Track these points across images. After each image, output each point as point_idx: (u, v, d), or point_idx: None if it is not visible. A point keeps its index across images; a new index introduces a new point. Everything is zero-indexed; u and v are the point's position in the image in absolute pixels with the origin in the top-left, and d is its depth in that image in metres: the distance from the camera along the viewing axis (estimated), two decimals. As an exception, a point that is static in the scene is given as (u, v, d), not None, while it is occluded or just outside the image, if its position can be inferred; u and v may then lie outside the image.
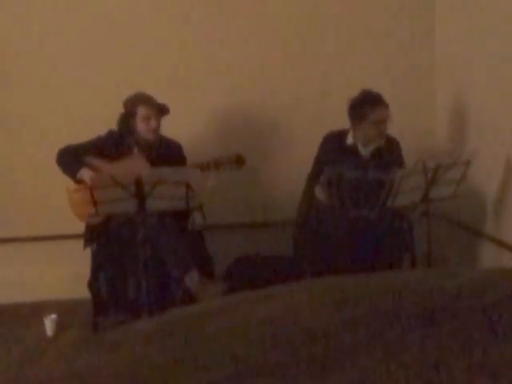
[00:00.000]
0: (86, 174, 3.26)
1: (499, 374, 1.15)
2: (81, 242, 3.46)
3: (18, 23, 3.98)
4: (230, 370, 1.18)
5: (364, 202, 3.42)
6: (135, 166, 3.26)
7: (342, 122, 3.53)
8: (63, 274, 3.92)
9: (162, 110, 3.42)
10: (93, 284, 3.44)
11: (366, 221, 3.40)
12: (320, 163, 3.55)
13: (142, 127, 3.40)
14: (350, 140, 3.52)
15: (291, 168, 4.02)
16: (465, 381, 1.15)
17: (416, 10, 4.10)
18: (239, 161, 3.25)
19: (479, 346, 1.27)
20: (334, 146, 3.54)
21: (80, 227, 3.47)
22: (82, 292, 3.47)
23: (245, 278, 3.66)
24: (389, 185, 3.18)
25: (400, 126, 3.58)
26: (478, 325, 1.37)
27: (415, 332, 1.35)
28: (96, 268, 3.43)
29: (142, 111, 3.38)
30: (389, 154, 3.49)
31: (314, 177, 3.56)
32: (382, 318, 1.43)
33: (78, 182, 3.31)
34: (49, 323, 3.45)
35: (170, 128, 3.50)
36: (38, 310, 3.71)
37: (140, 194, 2.98)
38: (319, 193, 3.45)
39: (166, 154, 3.48)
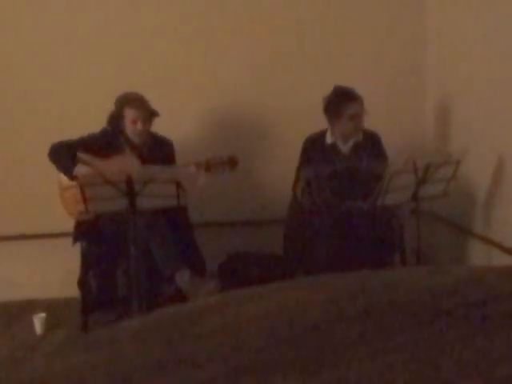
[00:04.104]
0: (83, 170, 3.24)
1: (490, 372, 1.16)
2: (70, 241, 3.44)
3: (13, 22, 3.96)
4: (220, 369, 1.18)
5: (353, 193, 3.42)
6: (125, 164, 3.25)
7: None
8: (53, 272, 3.90)
9: (150, 115, 3.40)
10: (83, 282, 3.42)
11: (355, 218, 3.41)
12: (303, 166, 3.55)
13: (128, 128, 3.39)
14: (329, 139, 3.56)
15: (282, 167, 4.02)
16: (455, 378, 1.15)
17: (406, 7, 4.11)
18: (232, 162, 3.23)
19: (469, 344, 1.27)
20: (314, 148, 3.56)
21: (70, 225, 3.45)
22: (72, 290, 3.46)
23: (236, 276, 3.66)
24: (378, 174, 3.20)
25: (390, 125, 3.59)
26: (468, 322, 1.38)
27: (405, 330, 1.35)
28: (86, 266, 3.42)
29: (129, 113, 3.37)
30: (369, 148, 3.52)
31: (297, 182, 3.57)
32: (373, 316, 1.43)
33: (73, 178, 3.29)
34: (38, 322, 3.44)
35: (162, 128, 3.49)
36: (27, 308, 3.69)
37: (131, 193, 2.97)
38: (299, 193, 3.47)
39: (158, 152, 3.48)
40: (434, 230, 3.93)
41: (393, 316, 1.41)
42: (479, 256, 3.55)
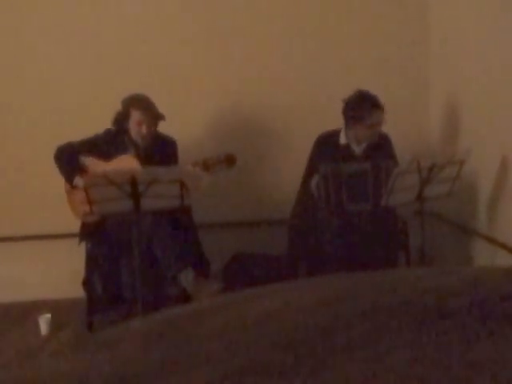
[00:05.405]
0: (80, 182, 3.25)
1: (495, 373, 1.16)
2: (75, 241, 3.45)
3: (13, 22, 3.97)
4: (225, 370, 1.18)
5: (361, 195, 3.42)
6: (125, 164, 3.25)
7: (336, 122, 3.54)
8: (58, 273, 3.92)
9: (155, 118, 3.40)
10: (87, 283, 3.44)
11: (360, 218, 3.41)
12: (314, 164, 3.55)
13: (133, 130, 3.40)
14: (343, 139, 3.55)
15: (286, 167, 4.03)
16: (460, 380, 1.15)
17: (409, 8, 4.11)
18: (229, 160, 3.18)
19: (474, 345, 1.27)
20: (327, 146, 3.55)
21: (74, 226, 3.47)
22: (77, 291, 3.47)
23: (240, 276, 3.67)
24: (385, 172, 3.21)
25: (394, 125, 3.59)
26: (473, 323, 1.37)
27: (409, 331, 1.35)
28: (91, 267, 3.43)
29: (135, 115, 3.38)
30: (381, 149, 3.52)
31: (308, 179, 3.56)
32: (375, 317, 1.43)
33: (73, 187, 3.31)
34: (43, 323, 3.45)
35: (165, 129, 3.50)
36: (32, 309, 3.70)
37: (135, 194, 2.98)
38: (314, 187, 3.46)
39: (161, 151, 3.49)
40: (438, 231, 3.93)
41: (396, 316, 1.41)
42: (483, 256, 3.55)
